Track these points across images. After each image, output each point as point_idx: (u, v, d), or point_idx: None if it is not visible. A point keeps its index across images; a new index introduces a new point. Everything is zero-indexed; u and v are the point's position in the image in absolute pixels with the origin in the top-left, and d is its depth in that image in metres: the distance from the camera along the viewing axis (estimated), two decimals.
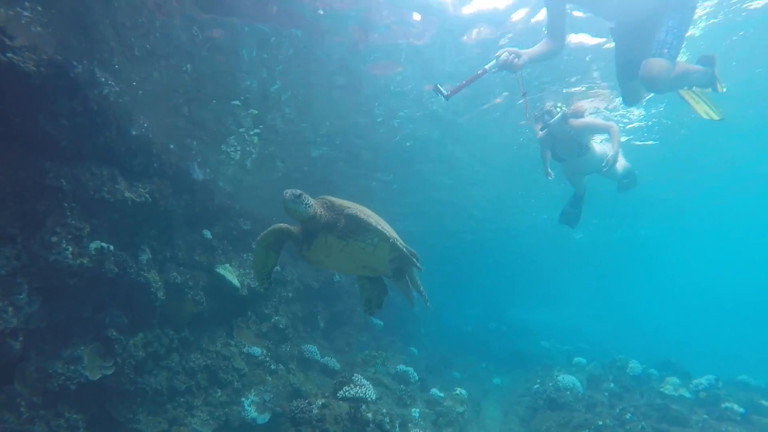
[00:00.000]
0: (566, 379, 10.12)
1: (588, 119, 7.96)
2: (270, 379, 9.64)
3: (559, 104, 7.52)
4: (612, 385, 10.53)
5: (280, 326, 10.86)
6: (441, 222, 19.66)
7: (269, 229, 3.96)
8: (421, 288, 4.97)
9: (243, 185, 13.16)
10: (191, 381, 8.35)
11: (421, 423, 9.09)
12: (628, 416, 8.13)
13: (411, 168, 12.99)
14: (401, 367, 11.45)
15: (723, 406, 8.02)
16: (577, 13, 7.36)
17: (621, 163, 8.13)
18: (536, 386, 11.12)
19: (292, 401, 7.43)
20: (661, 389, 9.74)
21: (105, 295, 7.23)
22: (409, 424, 8.54)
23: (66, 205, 6.49)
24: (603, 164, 6.98)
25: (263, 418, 8.67)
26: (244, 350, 9.62)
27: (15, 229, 6.00)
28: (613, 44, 5.72)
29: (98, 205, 6.97)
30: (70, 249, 6.43)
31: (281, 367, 10.15)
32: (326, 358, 11.41)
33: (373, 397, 7.59)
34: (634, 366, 11.28)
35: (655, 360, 16.96)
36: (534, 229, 22.40)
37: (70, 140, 6.52)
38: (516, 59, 4.74)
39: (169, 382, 8.07)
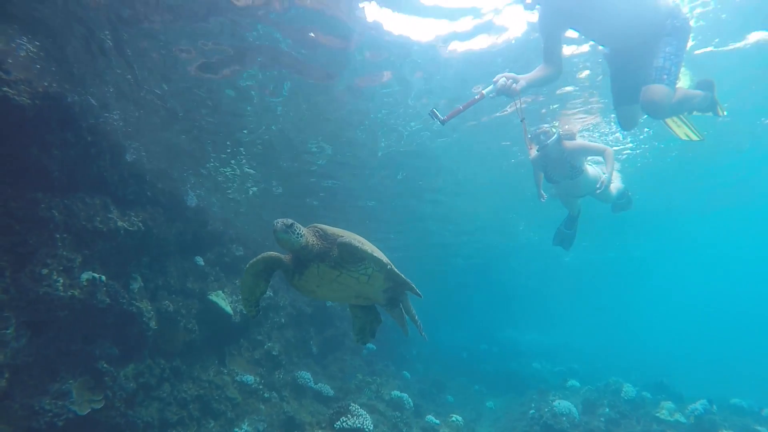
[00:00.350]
0: (562, 404, 10.07)
1: (583, 141, 7.86)
2: (263, 407, 9.45)
3: (554, 124, 7.44)
4: (607, 410, 10.48)
5: (273, 353, 10.71)
6: (431, 243, 19.65)
7: (259, 257, 3.84)
8: (416, 318, 4.80)
9: (239, 210, 13.07)
10: (183, 412, 8.15)
11: None
12: None
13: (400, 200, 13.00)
14: (396, 393, 11.32)
15: None
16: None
17: (615, 185, 8.06)
18: (532, 411, 11.02)
19: None
20: (657, 414, 9.73)
21: (95, 325, 7.07)
22: None
23: (58, 236, 6.38)
24: (597, 186, 6.82)
25: None
26: (237, 378, 9.45)
27: (3, 262, 5.86)
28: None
29: (90, 235, 6.86)
30: (61, 281, 6.30)
31: (274, 395, 9.96)
32: (320, 384, 11.25)
33: (371, 428, 7.46)
34: (628, 390, 11.26)
35: (647, 380, 17.01)
36: (525, 250, 22.54)
37: (63, 171, 6.44)
38: (514, 84, 4.72)
39: (160, 413, 7.87)
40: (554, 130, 6.97)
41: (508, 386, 19.39)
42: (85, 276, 6.72)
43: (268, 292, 11.59)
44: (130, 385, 7.40)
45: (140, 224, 7.68)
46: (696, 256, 22.38)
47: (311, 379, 10.97)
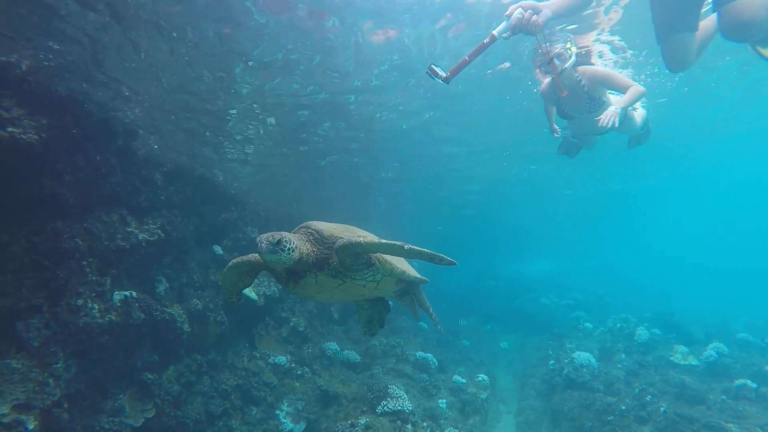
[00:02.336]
0: (581, 356, 10.56)
1: (606, 69, 6.35)
2: (298, 385, 9.85)
3: (568, 44, 5.94)
4: (623, 356, 11.04)
5: (300, 329, 10.99)
6: (433, 186, 19.23)
7: (244, 259, 3.43)
8: (430, 308, 4.33)
9: (254, 181, 12.68)
10: (226, 403, 8.48)
11: (449, 414, 9.48)
12: (648, 398, 8.60)
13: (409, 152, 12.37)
14: (420, 354, 11.78)
15: (737, 383, 8.49)
16: None
17: (640, 113, 6.76)
18: (552, 362, 11.61)
19: (336, 424, 7.61)
20: (671, 358, 10.25)
21: (134, 339, 7.18)
22: (441, 420, 8.89)
23: (84, 263, 6.28)
24: (608, 124, 5.27)
25: (299, 427, 8.94)
26: (270, 361, 9.75)
27: (39, 299, 5.81)
28: None
29: (114, 254, 6.77)
30: (96, 307, 6.29)
31: (306, 370, 10.34)
32: (346, 351, 11.66)
33: (410, 408, 7.85)
34: (642, 333, 11.76)
35: (653, 312, 17.75)
36: (525, 185, 22.27)
37: (77, 195, 6.20)
38: (534, 16, 3.83)
39: (205, 407, 8.19)
40: (570, 51, 5.66)
41: (518, 324, 20.21)
42: (118, 297, 6.71)
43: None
44: (174, 387, 7.65)
45: (159, 231, 7.55)
46: (696, 187, 22.33)
47: (338, 348, 11.35)
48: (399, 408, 7.63)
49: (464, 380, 10.77)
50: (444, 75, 3.94)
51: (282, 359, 9.86)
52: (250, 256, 3.48)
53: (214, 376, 8.72)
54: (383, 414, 7.60)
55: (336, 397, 10.08)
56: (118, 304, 6.66)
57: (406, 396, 8.07)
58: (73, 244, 6.10)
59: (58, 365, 5.82)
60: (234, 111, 8.35)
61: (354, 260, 3.02)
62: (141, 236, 7.16)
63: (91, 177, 6.32)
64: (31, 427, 5.26)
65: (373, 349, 12.14)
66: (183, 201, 8.36)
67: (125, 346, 7.09)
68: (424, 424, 7.50)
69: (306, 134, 9.97)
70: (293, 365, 10.08)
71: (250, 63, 6.54)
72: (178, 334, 7.81)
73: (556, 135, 6.54)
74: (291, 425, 8.85)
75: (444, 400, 9.90)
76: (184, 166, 8.41)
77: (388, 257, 3.21)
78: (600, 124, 5.16)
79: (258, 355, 9.81)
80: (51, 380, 5.70)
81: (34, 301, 5.77)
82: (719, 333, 12.43)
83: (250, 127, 9.19)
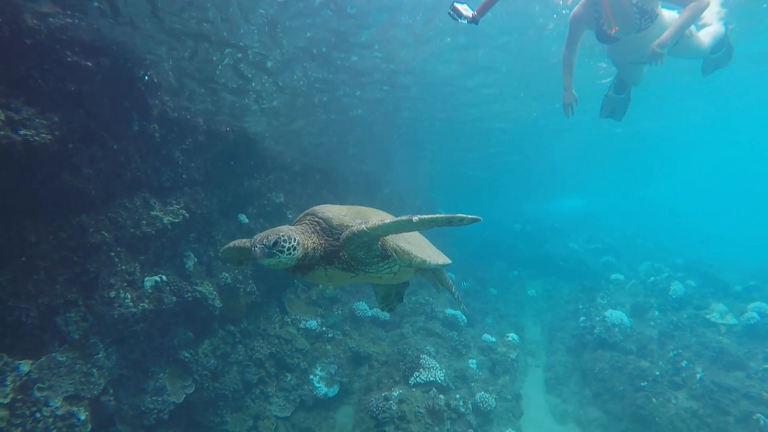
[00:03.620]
0: (613, 314, 10.40)
1: None
2: (330, 347, 10.08)
3: None
4: (657, 313, 10.83)
5: (328, 292, 11.10)
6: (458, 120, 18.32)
7: (236, 244, 3.18)
8: (452, 287, 4.10)
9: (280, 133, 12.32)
10: (261, 371, 8.76)
11: (479, 374, 9.61)
12: (684, 363, 8.47)
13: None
14: (449, 311, 11.84)
15: None
16: None
17: (711, 31, 5.61)
18: (582, 319, 11.52)
19: (369, 395, 7.80)
20: (708, 316, 9.99)
21: (167, 320, 7.31)
22: (472, 383, 9.02)
23: (113, 253, 6.26)
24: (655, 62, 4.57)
25: (333, 390, 9.24)
26: (301, 326, 9.93)
27: (74, 294, 5.87)
28: None
29: (141, 241, 6.73)
30: (129, 296, 6.35)
31: (337, 332, 10.55)
32: (375, 309, 11.80)
33: (442, 377, 7.94)
34: (677, 288, 11.46)
35: (686, 257, 17.28)
36: (555, 120, 21.12)
37: (98, 187, 6.06)
38: None
39: (241, 376, 8.48)
40: None
41: (546, 269, 20.09)
42: (149, 283, 6.76)
43: None
44: (211, 361, 7.88)
45: (183, 212, 7.44)
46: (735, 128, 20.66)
47: (367, 308, 11.49)
48: (432, 379, 7.74)
49: (494, 339, 10.84)
50: (470, 14, 3.46)
51: (313, 323, 10.03)
52: (245, 241, 3.24)
53: (248, 344, 8.95)
54: (416, 386, 7.72)
55: (367, 357, 10.33)
56: (150, 291, 6.72)
57: (438, 366, 8.16)
58: (100, 237, 6.05)
59: (99, 355, 5.99)
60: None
61: (366, 253, 2.73)
62: (166, 219, 7.07)
63: (110, 166, 6.14)
64: (82, 417, 5.50)
65: (401, 306, 12.25)
66: (205, 177, 8.16)
67: (160, 327, 7.24)
68: (457, 395, 7.59)
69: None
70: (324, 329, 10.27)
71: None
72: (210, 311, 7.93)
73: (569, 111, 5.44)
74: (325, 389, 9.14)
75: (474, 361, 10.02)
76: (205, 135, 8.05)
77: (405, 246, 2.92)
78: (648, 59, 4.45)
79: (289, 320, 9.99)
80: (95, 370, 5.88)
81: (69, 296, 5.84)
82: (759, 287, 11.99)
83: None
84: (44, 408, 5.22)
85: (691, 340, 9.10)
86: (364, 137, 14.92)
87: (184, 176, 7.66)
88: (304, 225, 2.85)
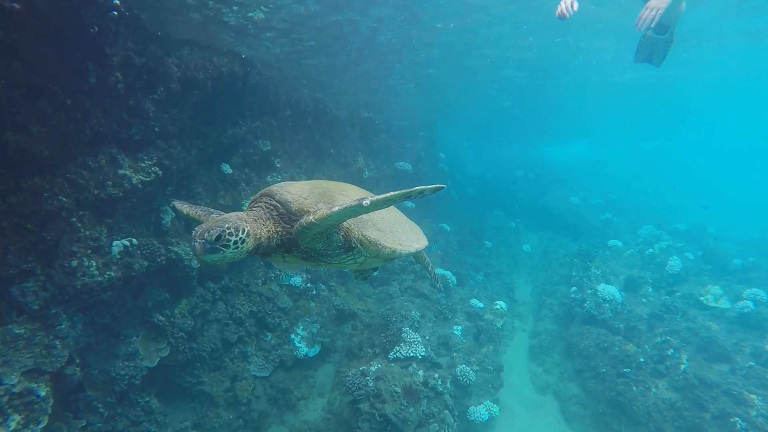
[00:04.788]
0: (605, 290, 10.14)
1: None
2: (314, 305, 9.91)
3: None
4: (650, 289, 10.55)
5: (281, 279, 10.72)
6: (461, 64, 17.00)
7: (192, 214, 3.16)
8: (429, 265, 4.11)
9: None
10: (241, 330, 8.62)
11: (463, 342, 9.53)
12: (670, 352, 8.29)
13: None
14: (439, 270, 11.63)
15: None
16: None
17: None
18: (573, 289, 11.28)
19: (348, 366, 7.68)
20: (701, 297, 9.73)
21: (140, 282, 6.99)
22: (454, 353, 8.95)
23: (74, 219, 5.76)
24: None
25: (314, 350, 9.20)
26: (285, 282, 9.69)
27: (30, 263, 5.45)
28: None
29: (107, 203, 6.20)
30: (94, 264, 5.96)
31: (322, 287, 10.35)
32: None
33: (423, 353, 7.79)
34: (674, 264, 11.12)
35: (688, 222, 16.82)
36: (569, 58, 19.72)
37: (52, 146, 5.42)
38: None
39: (220, 334, 8.34)
40: None
41: (544, 222, 19.75)
42: (116, 248, 6.33)
43: (302, 180, 11.10)
44: (188, 322, 7.66)
45: (156, 169, 6.85)
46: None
47: None
48: (412, 354, 7.59)
49: (482, 304, 10.68)
50: None
51: (297, 280, 9.78)
52: (200, 213, 3.10)
53: (229, 300, 8.73)
54: (396, 360, 7.58)
55: (352, 315, 10.22)
56: (118, 256, 6.31)
57: (419, 339, 7.99)
58: (57, 203, 5.51)
59: (63, 326, 5.71)
60: None
61: (326, 244, 2.48)
62: (135, 179, 6.49)
63: (64, 123, 5.46)
64: (43, 393, 5.31)
65: (391, 263, 11.99)
66: (181, 128, 7.45)
67: (133, 290, 6.94)
68: (436, 375, 7.47)
69: None
70: (309, 285, 10.04)
71: None
72: (187, 271, 7.59)
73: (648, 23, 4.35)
74: (306, 349, 9.09)
75: (459, 327, 9.91)
76: (180, 83, 7.24)
77: (372, 235, 2.65)
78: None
79: (273, 276, 9.72)
80: (57, 342, 5.63)
81: (24, 266, 5.41)
82: (758, 265, 11.65)
83: None
84: None
85: (681, 325, 8.88)
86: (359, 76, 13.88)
87: (156, 129, 6.95)
88: (259, 209, 2.60)
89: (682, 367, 7.99)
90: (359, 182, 13.33)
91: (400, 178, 15.97)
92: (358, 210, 2.16)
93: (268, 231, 2.50)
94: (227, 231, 2.26)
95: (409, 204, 15.51)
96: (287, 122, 11.20)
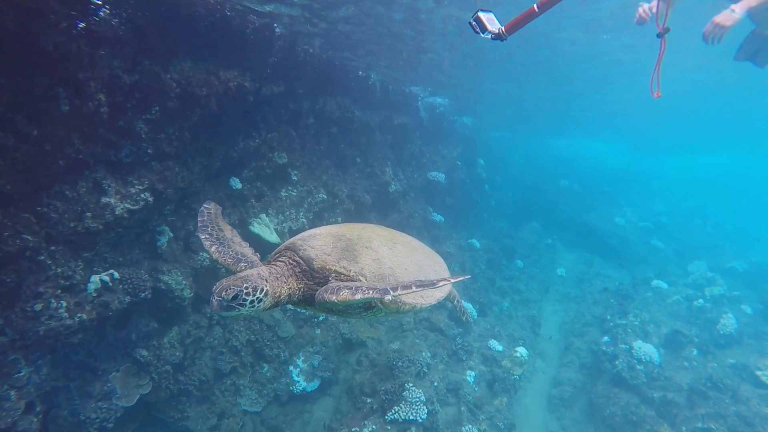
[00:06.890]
0: (643, 349, 8.98)
1: None
2: (319, 332, 9.30)
3: None
4: (695, 352, 9.29)
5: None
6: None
7: (221, 260, 3.17)
8: (456, 298, 4.35)
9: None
10: (236, 360, 8.11)
11: (475, 390, 8.73)
12: None
13: None
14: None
15: None
16: None
17: None
18: (606, 339, 10.11)
19: (340, 427, 7.01)
20: (758, 372, 8.43)
21: (123, 316, 6.49)
22: (462, 407, 8.15)
23: (42, 257, 5.26)
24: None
25: (313, 385, 8.60)
26: (290, 307, 9.07)
27: None
28: None
29: (84, 237, 5.66)
30: (64, 305, 5.47)
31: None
32: None
33: (424, 417, 7.03)
34: (727, 322, 9.77)
35: (749, 261, 14.99)
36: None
37: (16, 179, 4.88)
38: None
39: (213, 363, 7.86)
40: None
41: (584, 242, 18.34)
42: (93, 285, 5.81)
43: (320, 194, 10.36)
44: (176, 353, 7.17)
45: (146, 195, 6.27)
46: None
47: None
48: (411, 418, 6.83)
49: (501, 348, 9.75)
50: (497, 29, 2.94)
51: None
52: (227, 259, 3.15)
53: (227, 325, 8.22)
54: (392, 422, 6.86)
55: (361, 344, 9.55)
56: (94, 294, 5.80)
57: (423, 399, 7.21)
58: (20, 242, 5.00)
59: (21, 374, 5.27)
60: None
61: (346, 307, 2.58)
62: (120, 208, 5.92)
63: (31, 156, 4.89)
64: None
65: None
66: (179, 148, 6.82)
67: (116, 321, 6.46)
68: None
69: None
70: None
71: None
72: (179, 302, 7.08)
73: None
74: (303, 384, 8.50)
75: (473, 373, 9.09)
76: (179, 100, 6.54)
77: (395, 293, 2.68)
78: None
79: None
80: (12, 392, 5.20)
81: None
82: None
83: None
84: None
85: (729, 409, 7.69)
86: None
87: (149, 151, 6.34)
88: (281, 265, 2.71)
89: None
90: (384, 195, 12.50)
91: (432, 189, 15.02)
92: (379, 300, 2.37)
93: (290, 288, 2.61)
94: (245, 291, 2.38)
95: (437, 218, 14.59)
96: (309, 131, 10.42)
